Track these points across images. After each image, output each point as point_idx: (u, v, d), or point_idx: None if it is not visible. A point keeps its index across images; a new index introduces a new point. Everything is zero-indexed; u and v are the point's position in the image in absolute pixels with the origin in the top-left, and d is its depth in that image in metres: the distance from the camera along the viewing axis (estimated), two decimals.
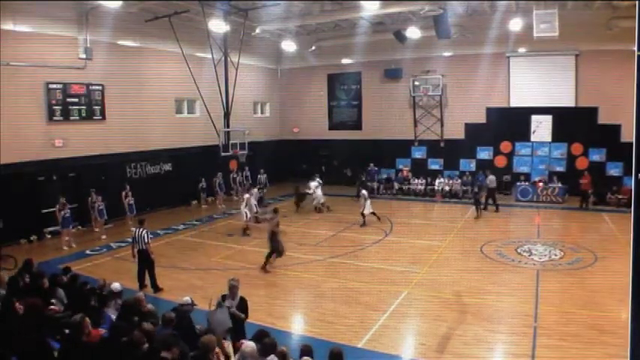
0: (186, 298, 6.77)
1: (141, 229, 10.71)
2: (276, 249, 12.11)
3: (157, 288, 10.65)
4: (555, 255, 12.93)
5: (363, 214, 16.75)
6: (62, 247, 14.37)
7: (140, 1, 17.04)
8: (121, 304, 6.84)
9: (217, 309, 6.52)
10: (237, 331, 6.56)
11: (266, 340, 5.27)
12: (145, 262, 10.70)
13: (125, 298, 6.81)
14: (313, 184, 19.73)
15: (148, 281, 10.75)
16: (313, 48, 24.85)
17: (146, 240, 10.64)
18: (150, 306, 6.75)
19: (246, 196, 17.06)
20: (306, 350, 5.40)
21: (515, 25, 19.35)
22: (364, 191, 17.53)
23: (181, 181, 20.58)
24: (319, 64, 26.22)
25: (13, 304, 6.09)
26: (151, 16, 18.10)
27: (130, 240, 15.16)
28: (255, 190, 18.63)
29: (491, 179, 19.40)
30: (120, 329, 5.46)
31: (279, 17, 21.04)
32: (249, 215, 16.37)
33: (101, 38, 17.15)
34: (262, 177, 22.84)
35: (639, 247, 4.23)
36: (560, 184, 20.72)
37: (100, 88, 17.45)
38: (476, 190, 18.64)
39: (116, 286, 7.16)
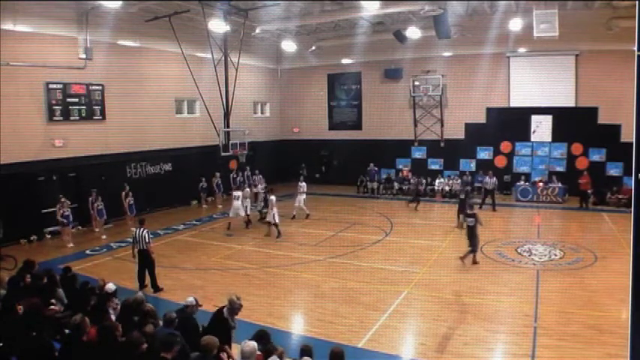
0: (190, 299, 6.76)
1: (141, 229, 10.71)
2: (476, 244, 12.22)
3: (157, 288, 10.64)
4: (555, 255, 12.93)
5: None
6: (66, 244, 14.46)
7: (140, 1, 17.04)
8: (118, 303, 6.87)
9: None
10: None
11: (268, 346, 5.33)
12: (146, 262, 10.71)
13: (125, 298, 6.82)
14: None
15: (148, 281, 10.76)
16: (313, 48, 24.84)
17: (147, 240, 10.64)
18: (150, 306, 6.75)
19: (237, 193, 16.76)
20: (306, 350, 5.41)
21: (515, 25, 19.35)
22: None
23: (181, 181, 20.58)
24: (319, 64, 26.19)
25: (13, 305, 6.09)
26: (151, 16, 18.09)
27: (130, 240, 15.33)
28: (247, 189, 18.32)
29: (488, 181, 19.62)
30: (108, 329, 5.41)
31: (279, 17, 21.02)
32: (247, 211, 16.70)
33: (101, 38, 17.16)
34: (257, 177, 22.65)
35: (639, 247, 4.23)
36: (560, 184, 20.72)
37: (100, 88, 17.45)
38: (462, 196, 16.89)
39: (110, 286, 7.22)
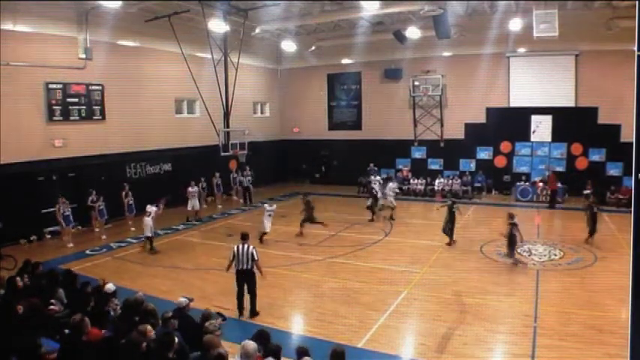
0: (182, 300, 6.72)
1: (245, 245, 9.11)
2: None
3: (254, 312, 9.17)
4: (555, 255, 12.93)
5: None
6: (66, 244, 14.43)
7: (140, 1, 17.04)
8: (117, 304, 6.87)
9: None
10: None
11: (270, 345, 5.35)
12: (250, 284, 9.16)
13: (125, 298, 6.82)
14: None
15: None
16: (313, 48, 24.83)
17: (255, 257, 9.03)
18: (151, 305, 6.73)
19: (150, 209, 14.23)
20: (303, 351, 5.39)
21: (515, 25, 19.35)
22: None
23: (181, 181, 20.54)
24: (319, 64, 26.21)
25: (12, 305, 6.09)
26: (151, 16, 18.10)
27: (130, 240, 15.34)
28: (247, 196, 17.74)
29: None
30: (122, 329, 5.46)
31: (279, 17, 21.02)
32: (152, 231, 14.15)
33: (101, 38, 17.16)
34: (246, 179, 21.88)
35: (639, 247, 4.24)
36: (559, 184, 20.71)
37: (99, 88, 17.45)
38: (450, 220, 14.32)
39: (110, 286, 7.23)
